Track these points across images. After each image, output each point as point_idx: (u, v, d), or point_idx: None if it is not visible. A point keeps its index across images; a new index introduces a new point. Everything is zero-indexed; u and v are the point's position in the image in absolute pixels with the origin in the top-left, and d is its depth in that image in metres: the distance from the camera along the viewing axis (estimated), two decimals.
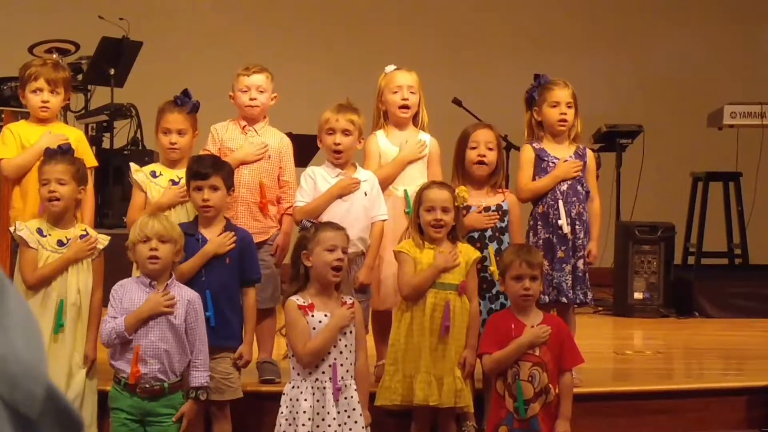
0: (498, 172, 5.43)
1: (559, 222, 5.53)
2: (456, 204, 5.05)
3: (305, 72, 10.07)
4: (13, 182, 5.34)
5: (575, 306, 5.70)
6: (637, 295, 8.53)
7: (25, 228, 4.93)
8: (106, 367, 4.87)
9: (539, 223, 5.56)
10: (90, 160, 5.42)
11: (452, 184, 5.34)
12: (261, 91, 5.55)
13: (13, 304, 1.01)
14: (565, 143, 5.66)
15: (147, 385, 4.65)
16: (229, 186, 5.05)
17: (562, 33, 11.00)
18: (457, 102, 7.70)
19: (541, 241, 5.51)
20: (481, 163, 5.35)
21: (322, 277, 4.73)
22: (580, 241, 5.56)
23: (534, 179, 5.61)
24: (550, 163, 5.60)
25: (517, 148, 5.73)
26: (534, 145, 5.64)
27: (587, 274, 5.63)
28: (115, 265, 5.13)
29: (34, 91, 5.35)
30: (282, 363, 5.34)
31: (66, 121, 7.76)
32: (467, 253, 5.07)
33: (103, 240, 5.01)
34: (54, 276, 4.88)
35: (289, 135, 5.76)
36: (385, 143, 5.62)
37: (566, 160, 5.61)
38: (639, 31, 11.13)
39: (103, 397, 4.87)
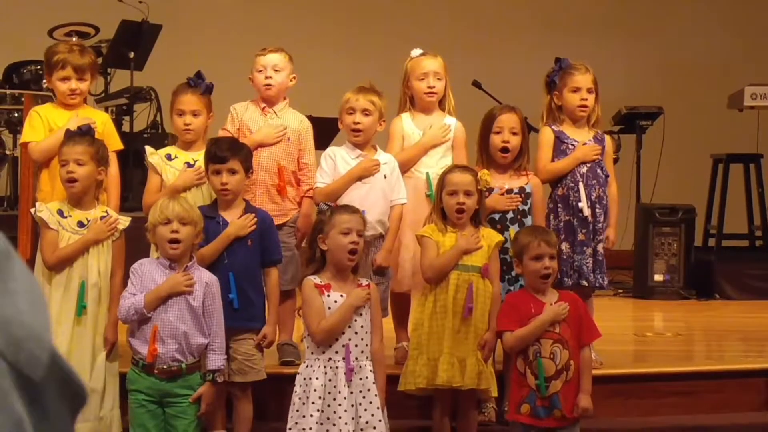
0: (522, 155, 5.41)
1: (580, 204, 5.51)
2: (479, 187, 5.04)
3: (326, 55, 10.06)
4: (41, 166, 5.34)
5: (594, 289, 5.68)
6: (658, 277, 8.52)
7: (45, 209, 4.92)
8: (127, 349, 4.88)
9: (559, 205, 5.54)
10: (116, 143, 5.43)
11: (477, 166, 5.33)
12: (276, 71, 5.55)
13: (18, 270, 1.03)
14: (585, 128, 5.65)
15: (164, 366, 4.65)
16: (248, 169, 5.03)
17: (582, 15, 10.95)
18: (477, 84, 7.67)
19: (562, 224, 5.50)
20: (504, 150, 5.34)
21: (338, 260, 4.72)
22: (600, 224, 5.54)
23: (553, 161, 5.60)
24: (570, 146, 5.58)
25: (536, 130, 5.71)
26: (553, 127, 5.63)
27: (605, 259, 5.62)
28: (134, 248, 5.11)
29: (62, 79, 5.35)
30: (301, 345, 5.35)
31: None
32: (490, 236, 5.06)
33: (123, 221, 5.00)
34: (74, 257, 4.88)
35: (310, 117, 5.75)
36: (410, 126, 5.61)
37: (585, 144, 5.59)
38: (659, 12, 11.07)
39: (123, 379, 4.87)
